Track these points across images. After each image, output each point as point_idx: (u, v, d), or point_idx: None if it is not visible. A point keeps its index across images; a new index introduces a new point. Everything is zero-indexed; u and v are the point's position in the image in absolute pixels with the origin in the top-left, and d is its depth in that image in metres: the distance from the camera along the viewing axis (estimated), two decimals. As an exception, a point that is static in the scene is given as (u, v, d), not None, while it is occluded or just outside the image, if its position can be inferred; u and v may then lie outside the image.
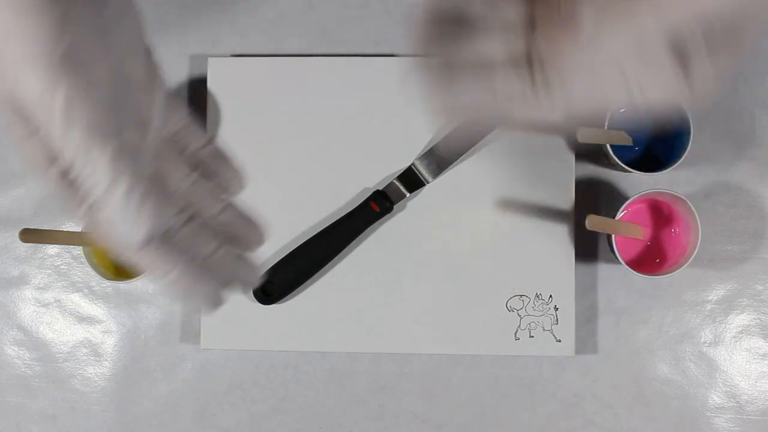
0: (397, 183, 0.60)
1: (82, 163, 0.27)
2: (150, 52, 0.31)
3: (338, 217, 0.59)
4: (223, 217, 0.33)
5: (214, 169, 0.34)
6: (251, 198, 0.64)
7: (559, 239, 0.59)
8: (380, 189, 0.60)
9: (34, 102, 0.27)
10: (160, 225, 0.29)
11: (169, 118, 0.32)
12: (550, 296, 0.59)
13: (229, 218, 0.34)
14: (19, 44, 0.26)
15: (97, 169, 0.27)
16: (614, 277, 0.61)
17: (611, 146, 0.56)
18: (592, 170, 0.62)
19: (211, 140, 0.34)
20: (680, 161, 0.56)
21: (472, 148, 0.59)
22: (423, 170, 0.60)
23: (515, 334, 0.59)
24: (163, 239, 0.30)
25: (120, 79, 0.29)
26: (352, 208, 0.59)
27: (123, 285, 0.62)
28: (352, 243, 0.59)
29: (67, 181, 0.29)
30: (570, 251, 0.59)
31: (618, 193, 0.61)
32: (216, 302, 0.32)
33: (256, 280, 0.35)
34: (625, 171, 0.57)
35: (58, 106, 0.26)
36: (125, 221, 0.28)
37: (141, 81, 0.30)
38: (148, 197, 0.28)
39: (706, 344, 0.60)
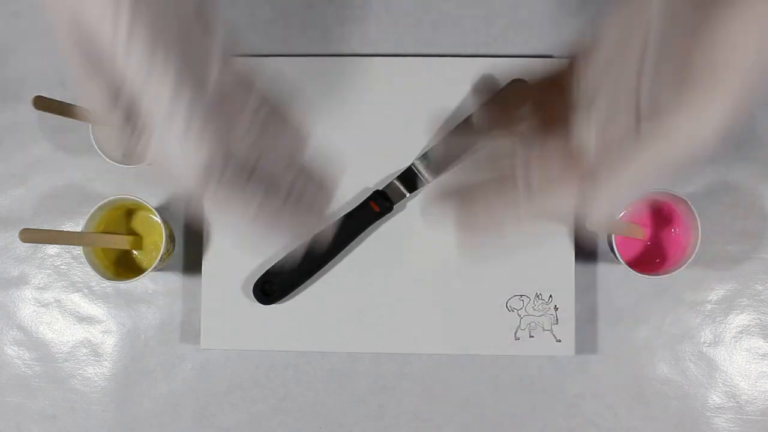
0: (397, 183, 0.60)
1: (145, 79, 0.27)
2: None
3: (338, 217, 0.59)
4: (288, 174, 0.33)
5: (274, 129, 0.33)
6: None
7: (559, 239, 0.59)
8: (380, 189, 0.60)
9: (98, 22, 0.26)
10: (224, 152, 0.29)
11: (225, 66, 0.31)
12: (550, 296, 0.59)
13: (296, 176, 0.33)
14: None
15: (160, 86, 0.27)
16: (614, 277, 0.61)
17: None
18: (592, 170, 0.62)
19: (267, 99, 0.33)
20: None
21: (472, 149, 0.59)
22: (423, 170, 0.60)
23: (515, 334, 0.59)
24: (235, 171, 0.29)
25: (177, 8, 0.29)
26: (352, 208, 0.59)
27: (123, 285, 0.62)
28: (352, 243, 0.59)
29: (132, 123, 0.28)
30: (570, 251, 0.59)
31: (618, 193, 0.61)
32: (302, 235, 0.32)
33: (325, 219, 0.35)
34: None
35: (124, 16, 0.26)
36: (188, 140, 0.28)
37: (195, 20, 0.30)
38: (211, 120, 0.28)
39: (706, 344, 0.60)
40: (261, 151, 0.32)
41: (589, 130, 0.29)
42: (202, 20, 0.30)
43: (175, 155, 0.28)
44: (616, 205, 0.31)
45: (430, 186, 0.36)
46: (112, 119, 0.28)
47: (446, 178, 0.35)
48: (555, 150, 0.31)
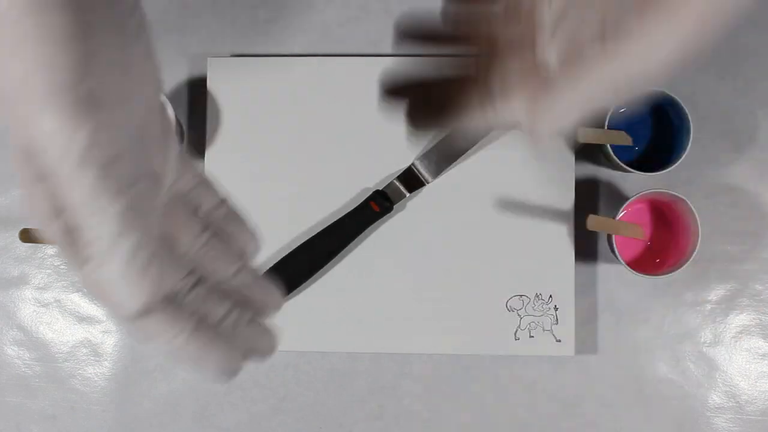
0: (397, 183, 0.60)
1: (88, 211, 0.25)
2: (164, 106, 0.30)
3: (338, 217, 0.59)
4: (237, 280, 0.31)
5: (228, 231, 0.32)
6: (252, 198, 0.64)
7: (559, 239, 0.59)
8: (380, 189, 0.60)
9: (48, 138, 0.24)
10: (164, 289, 0.27)
11: (182, 174, 0.30)
12: (550, 296, 0.59)
13: (244, 281, 0.31)
14: (44, 74, 0.24)
15: (103, 220, 0.25)
16: (614, 277, 0.61)
17: (611, 146, 0.56)
18: (592, 170, 0.62)
19: (224, 200, 0.32)
20: (680, 161, 0.56)
21: (472, 149, 0.59)
22: (423, 170, 0.60)
23: (515, 334, 0.59)
24: (168, 302, 0.28)
25: (138, 127, 0.27)
26: (352, 208, 0.59)
27: (123, 285, 0.62)
28: (352, 243, 0.59)
29: (71, 238, 0.26)
30: (570, 251, 0.59)
31: (618, 193, 0.61)
32: (230, 371, 0.30)
33: (274, 348, 0.33)
34: (625, 171, 0.57)
35: (78, 145, 0.24)
36: (127, 282, 0.26)
37: (156, 133, 0.28)
38: (154, 258, 0.26)
39: (706, 344, 0.60)
40: (210, 257, 0.30)
41: (552, 39, 0.29)
42: (163, 130, 0.29)
43: (114, 287, 0.26)
44: (567, 117, 0.30)
45: (387, 77, 0.36)
46: (50, 232, 0.27)
47: (405, 68, 0.34)
48: (517, 55, 0.31)
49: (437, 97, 0.34)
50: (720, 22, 0.26)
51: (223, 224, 0.32)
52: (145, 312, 0.27)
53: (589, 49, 0.28)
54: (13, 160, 0.27)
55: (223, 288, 0.31)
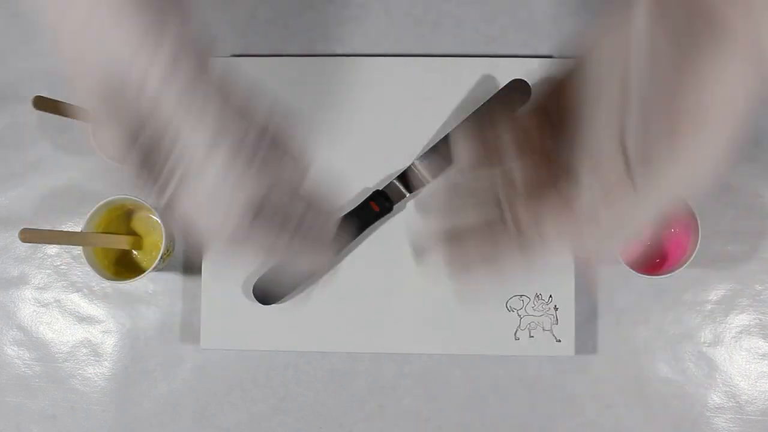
0: (397, 183, 0.60)
1: (183, 119, 0.25)
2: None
3: (338, 217, 0.59)
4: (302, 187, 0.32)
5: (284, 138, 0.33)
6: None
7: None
8: (380, 189, 0.60)
9: (136, 48, 0.25)
10: (260, 190, 0.28)
11: (229, 95, 0.31)
12: (550, 296, 0.59)
13: (309, 188, 0.33)
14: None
15: (201, 125, 0.25)
16: (614, 277, 0.61)
17: None
18: (592, 170, 0.62)
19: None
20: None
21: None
22: (423, 170, 0.60)
23: (515, 334, 0.59)
24: (258, 210, 0.29)
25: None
26: (352, 208, 0.59)
27: (123, 285, 0.62)
28: (352, 243, 0.59)
29: (149, 164, 0.27)
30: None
31: (618, 193, 0.61)
32: (322, 263, 0.32)
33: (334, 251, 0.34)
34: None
35: (167, 47, 0.25)
36: (229, 185, 0.26)
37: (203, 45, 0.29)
38: (254, 158, 0.26)
39: (706, 344, 0.60)
40: (267, 185, 0.31)
41: (579, 172, 0.28)
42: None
43: (211, 204, 0.26)
44: (613, 245, 0.30)
45: (420, 237, 0.36)
46: (128, 160, 0.27)
47: (433, 223, 0.34)
48: (542, 188, 0.30)
49: (472, 244, 0.33)
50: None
51: (271, 153, 0.32)
52: (250, 215, 0.27)
53: (617, 180, 0.27)
54: (84, 95, 0.27)
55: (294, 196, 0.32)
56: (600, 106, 0.27)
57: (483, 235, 0.32)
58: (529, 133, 0.31)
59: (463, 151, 0.32)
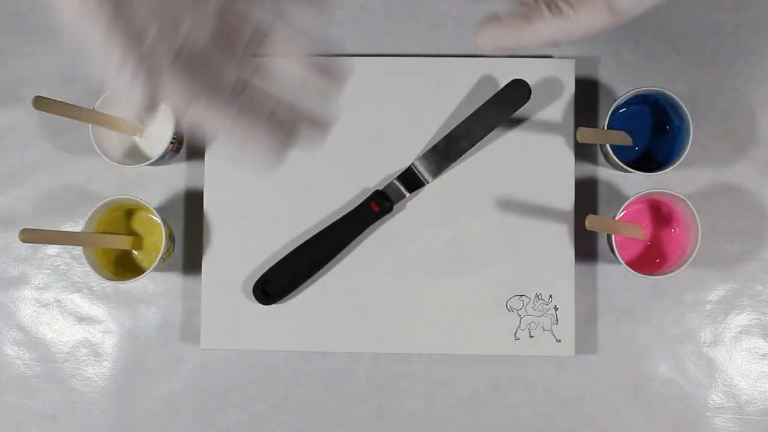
0: (397, 183, 0.60)
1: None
2: None
3: (338, 217, 0.59)
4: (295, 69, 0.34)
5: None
6: (252, 198, 0.64)
7: (559, 239, 0.59)
8: (380, 189, 0.60)
9: None
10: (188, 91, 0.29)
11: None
12: (550, 296, 0.59)
13: (303, 69, 0.34)
14: None
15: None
16: (614, 277, 0.61)
17: (611, 146, 0.56)
18: (592, 170, 0.62)
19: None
20: (680, 161, 0.56)
21: (472, 148, 0.59)
22: (423, 170, 0.60)
23: (515, 334, 0.59)
24: (215, 95, 0.30)
25: None
26: (352, 208, 0.59)
27: (123, 285, 0.62)
28: (352, 243, 0.59)
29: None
30: (570, 251, 0.59)
31: (618, 193, 0.61)
32: (274, 157, 0.33)
33: (323, 134, 0.35)
34: (625, 171, 0.57)
35: None
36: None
37: None
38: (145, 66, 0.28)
39: (706, 344, 0.60)
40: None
41: None
42: None
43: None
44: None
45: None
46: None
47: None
48: None
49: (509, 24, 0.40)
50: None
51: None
52: (153, 106, 0.29)
53: None
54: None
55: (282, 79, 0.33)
56: None
57: (520, 17, 0.39)
58: None
59: None
